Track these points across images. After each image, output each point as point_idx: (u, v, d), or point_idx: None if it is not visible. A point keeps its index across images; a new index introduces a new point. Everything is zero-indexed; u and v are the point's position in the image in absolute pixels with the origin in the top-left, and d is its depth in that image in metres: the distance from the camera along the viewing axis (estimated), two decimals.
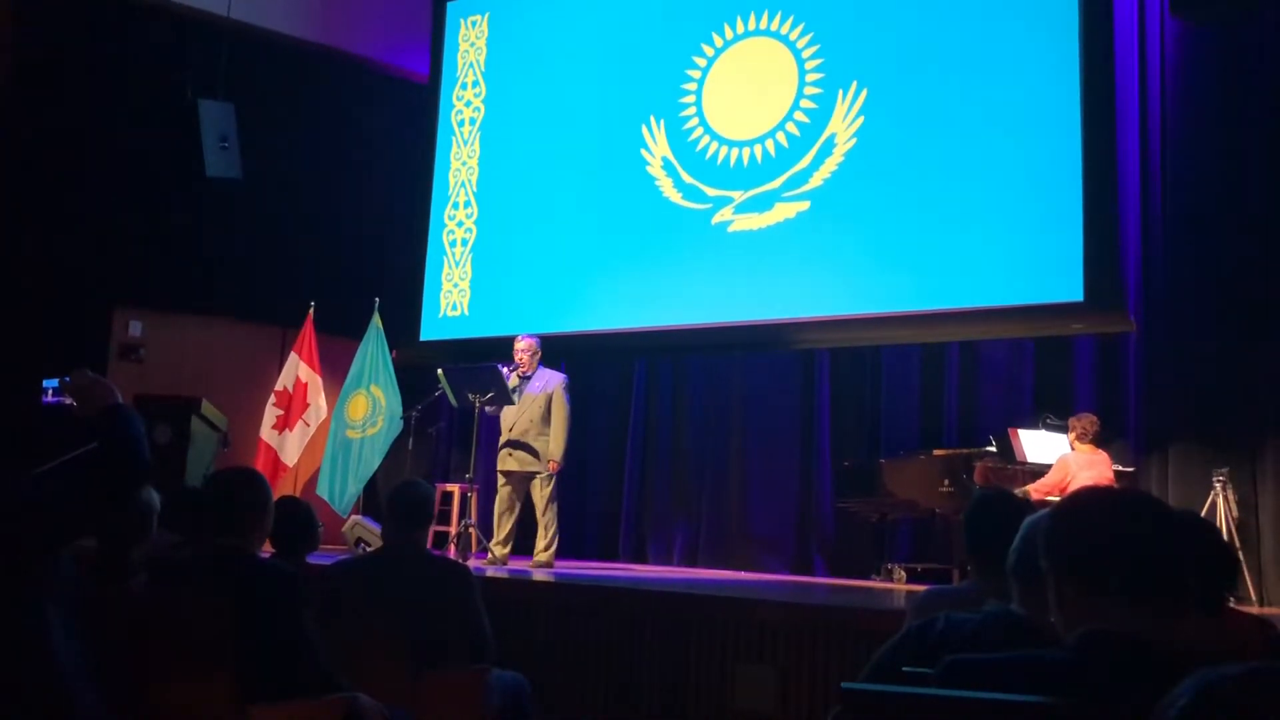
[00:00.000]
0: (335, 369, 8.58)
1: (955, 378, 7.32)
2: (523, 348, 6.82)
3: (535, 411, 6.66)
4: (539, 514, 6.67)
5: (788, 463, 7.79)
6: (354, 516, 7.55)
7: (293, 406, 8.44)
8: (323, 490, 8.15)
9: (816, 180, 7.19)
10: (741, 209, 7.44)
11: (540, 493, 6.67)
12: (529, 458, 6.64)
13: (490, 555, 6.68)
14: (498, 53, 8.87)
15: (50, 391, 2.40)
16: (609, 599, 5.04)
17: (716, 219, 7.52)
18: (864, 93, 7.10)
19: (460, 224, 8.74)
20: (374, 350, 8.50)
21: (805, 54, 7.39)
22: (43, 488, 2.24)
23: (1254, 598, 5.76)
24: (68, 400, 2.40)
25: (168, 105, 7.59)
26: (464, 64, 9.00)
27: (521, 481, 6.73)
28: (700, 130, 7.72)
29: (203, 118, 7.39)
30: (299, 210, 8.76)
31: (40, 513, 2.21)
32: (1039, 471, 6.15)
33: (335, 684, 2.71)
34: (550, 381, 6.74)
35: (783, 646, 4.33)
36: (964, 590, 2.80)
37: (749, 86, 7.61)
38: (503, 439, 6.75)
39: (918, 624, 2.00)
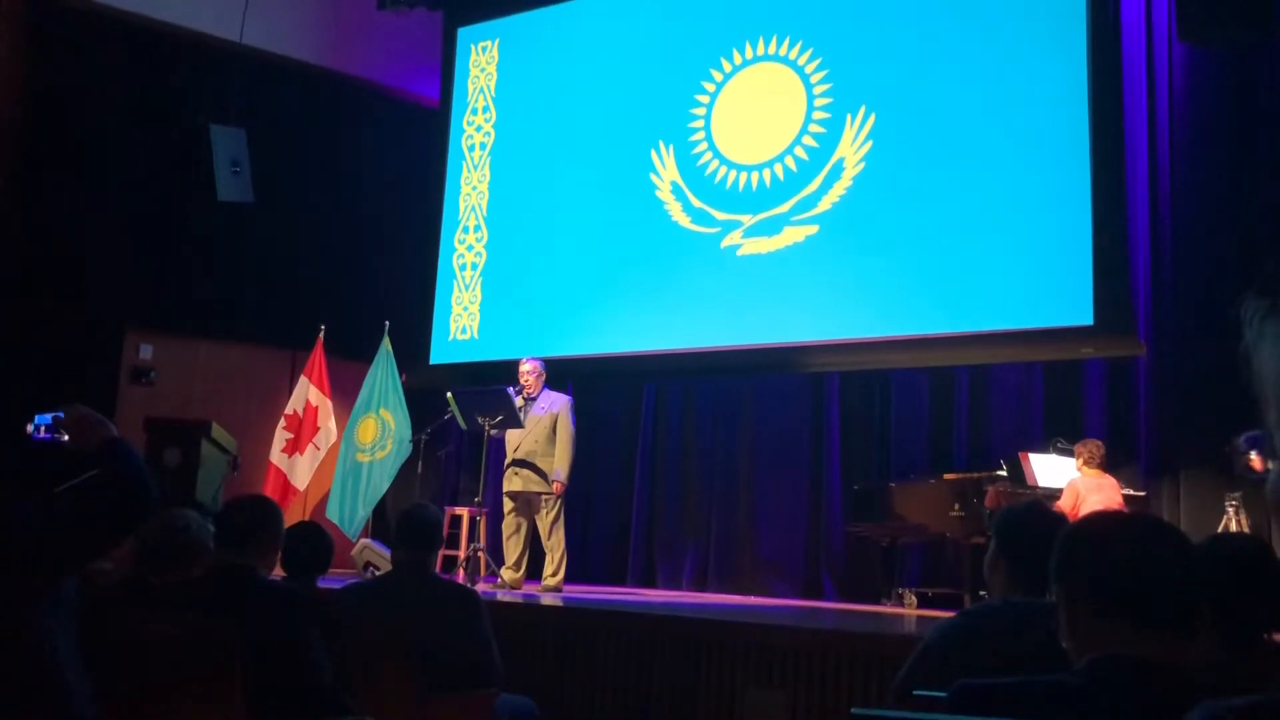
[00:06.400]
0: (345, 392, 8.59)
1: (965, 401, 7.30)
2: (527, 370, 6.81)
3: (541, 433, 6.65)
4: (544, 538, 6.64)
5: (797, 486, 7.77)
6: (363, 540, 7.55)
7: (303, 430, 8.45)
8: (333, 514, 8.14)
9: (825, 204, 7.21)
10: (750, 233, 7.45)
11: (546, 517, 6.64)
12: (535, 478, 6.62)
13: (501, 580, 6.64)
14: (508, 78, 8.93)
15: (42, 428, 2.38)
16: (618, 623, 5.01)
17: (725, 243, 7.54)
18: (872, 117, 7.13)
19: (470, 248, 8.78)
20: (384, 374, 8.51)
21: (813, 79, 7.42)
22: (49, 515, 2.24)
23: None
24: (61, 435, 2.40)
25: (180, 130, 7.65)
26: (474, 89, 9.06)
27: (527, 502, 6.71)
28: (709, 154, 7.74)
29: (214, 142, 7.43)
30: (310, 234, 8.81)
31: (46, 539, 2.22)
32: (1051, 495, 6.12)
33: (343, 706, 2.71)
34: (555, 403, 6.73)
35: (792, 671, 4.31)
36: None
37: (757, 111, 7.64)
38: (508, 460, 6.75)
39: (961, 619, 1.99)
